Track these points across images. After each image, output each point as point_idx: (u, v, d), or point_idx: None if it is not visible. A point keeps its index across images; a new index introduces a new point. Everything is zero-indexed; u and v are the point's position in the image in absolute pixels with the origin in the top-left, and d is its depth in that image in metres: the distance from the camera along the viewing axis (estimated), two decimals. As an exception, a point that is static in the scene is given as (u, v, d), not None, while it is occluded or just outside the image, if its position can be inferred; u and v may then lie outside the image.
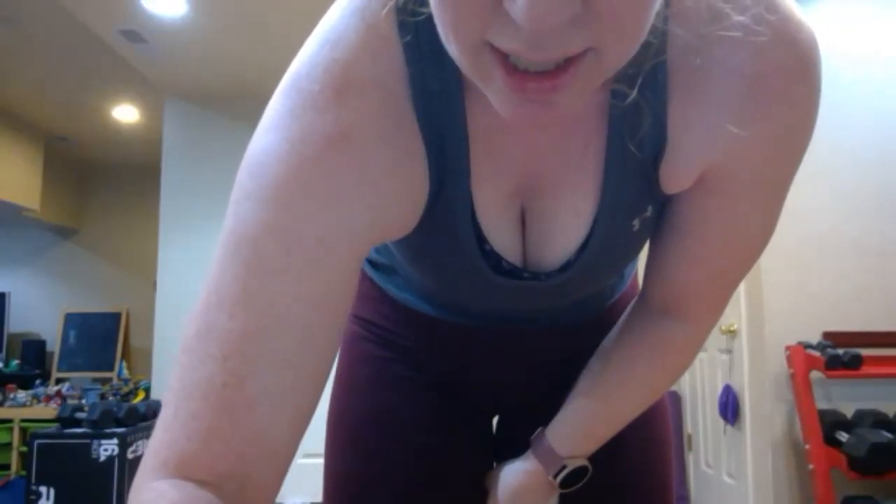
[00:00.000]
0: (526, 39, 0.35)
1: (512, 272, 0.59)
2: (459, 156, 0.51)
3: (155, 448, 0.46)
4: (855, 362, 2.47)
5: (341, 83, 0.47)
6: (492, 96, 0.40)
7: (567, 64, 0.36)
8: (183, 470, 0.44)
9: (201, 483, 0.44)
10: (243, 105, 3.85)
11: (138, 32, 3.28)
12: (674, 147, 0.51)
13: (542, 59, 0.36)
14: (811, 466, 2.50)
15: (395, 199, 0.50)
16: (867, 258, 2.76)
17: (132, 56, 3.57)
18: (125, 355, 5.77)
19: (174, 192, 4.01)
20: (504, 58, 0.37)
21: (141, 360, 5.75)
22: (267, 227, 0.46)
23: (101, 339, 5.78)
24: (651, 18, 0.36)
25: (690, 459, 3.43)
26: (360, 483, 0.79)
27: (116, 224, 6.33)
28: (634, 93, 0.47)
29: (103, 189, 6.37)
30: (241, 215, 0.47)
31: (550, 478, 0.72)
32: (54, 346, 5.79)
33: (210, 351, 0.45)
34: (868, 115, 2.83)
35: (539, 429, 0.75)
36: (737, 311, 2.89)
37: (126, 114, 5.03)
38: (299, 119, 0.47)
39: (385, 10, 0.47)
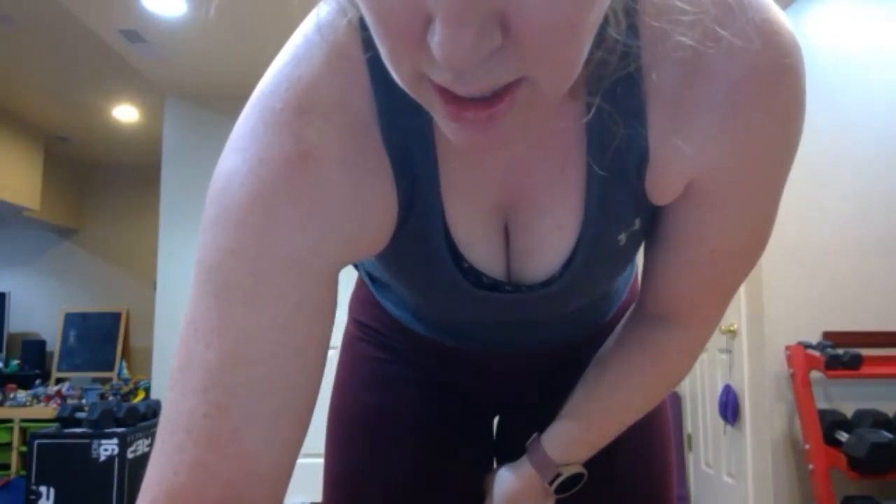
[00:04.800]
0: (451, 75, 0.34)
1: (493, 286, 0.58)
2: (428, 171, 0.50)
3: (146, 486, 0.46)
4: (855, 362, 2.47)
5: (304, 102, 0.46)
6: (439, 122, 0.39)
7: (504, 92, 0.36)
8: None
9: None
10: (243, 105, 3.81)
11: (138, 32, 3.28)
12: (657, 158, 0.50)
13: (472, 92, 0.35)
14: (811, 466, 2.50)
15: (361, 217, 0.49)
16: (867, 258, 2.76)
17: (132, 56, 3.57)
18: (125, 355, 5.77)
19: (174, 191, 4.01)
20: (441, 87, 0.36)
21: (141, 359, 5.75)
22: (231, 253, 0.46)
23: (101, 339, 5.79)
24: (584, 43, 0.35)
25: (690, 459, 3.43)
26: (358, 482, 0.79)
27: (116, 224, 6.33)
28: (608, 106, 0.46)
29: (103, 189, 6.37)
30: (207, 243, 0.47)
31: (546, 484, 0.72)
32: (54, 346, 5.79)
33: (191, 384, 0.45)
34: (870, 116, 2.83)
35: (534, 434, 0.74)
36: (737, 311, 2.89)
37: (126, 114, 5.03)
38: (259, 139, 0.46)
39: (347, 27, 0.46)
